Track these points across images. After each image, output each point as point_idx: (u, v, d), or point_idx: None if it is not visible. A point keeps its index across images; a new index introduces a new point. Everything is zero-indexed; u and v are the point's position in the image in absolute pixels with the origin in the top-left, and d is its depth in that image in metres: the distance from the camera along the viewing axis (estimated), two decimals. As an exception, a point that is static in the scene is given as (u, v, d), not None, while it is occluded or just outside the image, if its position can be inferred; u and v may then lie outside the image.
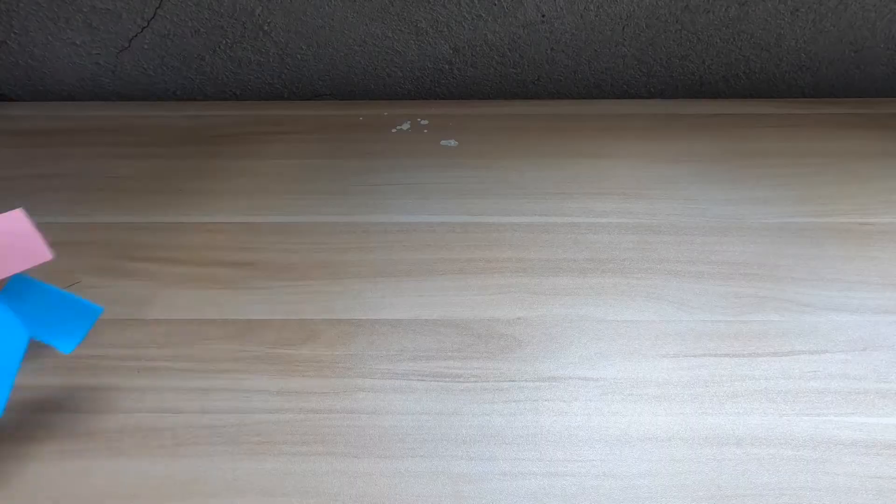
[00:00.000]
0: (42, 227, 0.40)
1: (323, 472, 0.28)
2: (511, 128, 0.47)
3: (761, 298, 0.35)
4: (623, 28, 0.47)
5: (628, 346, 0.33)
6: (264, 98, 0.52)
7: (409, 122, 0.48)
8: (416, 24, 0.47)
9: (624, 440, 0.29)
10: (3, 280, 0.25)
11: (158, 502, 0.27)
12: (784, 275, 0.37)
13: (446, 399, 0.31)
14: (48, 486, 0.27)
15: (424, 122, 0.48)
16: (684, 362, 0.32)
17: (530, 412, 0.30)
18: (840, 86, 0.51)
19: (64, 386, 0.31)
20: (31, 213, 0.41)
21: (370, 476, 0.28)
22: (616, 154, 0.46)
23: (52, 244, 0.39)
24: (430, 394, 0.31)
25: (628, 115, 0.49)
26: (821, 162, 0.44)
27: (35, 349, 0.33)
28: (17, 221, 0.25)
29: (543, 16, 0.46)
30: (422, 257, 0.38)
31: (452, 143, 0.46)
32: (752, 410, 0.30)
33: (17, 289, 0.26)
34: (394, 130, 0.47)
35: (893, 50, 0.49)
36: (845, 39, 0.48)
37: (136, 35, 0.47)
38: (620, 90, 0.52)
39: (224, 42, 0.48)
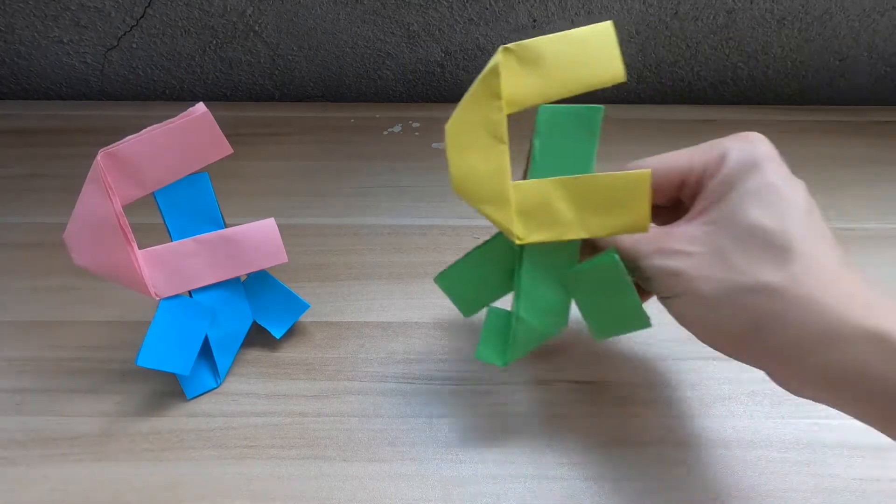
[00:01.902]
0: (28, 228, 0.40)
1: (311, 475, 0.28)
2: (502, 131, 0.48)
3: (748, 302, 0.36)
4: (613, 34, 0.48)
5: (618, 349, 0.33)
6: (255, 99, 0.52)
7: (400, 124, 0.48)
8: (408, 28, 0.47)
9: (614, 443, 0.29)
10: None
11: (144, 507, 0.27)
12: (770, 279, 0.37)
13: (436, 402, 0.31)
14: (29, 492, 0.27)
15: (416, 124, 0.48)
16: (673, 365, 0.32)
17: (521, 415, 0.30)
18: (825, 94, 0.52)
19: (45, 388, 0.31)
20: (17, 213, 0.40)
21: (359, 479, 0.28)
22: (606, 159, 0.46)
23: (38, 244, 0.39)
24: (420, 396, 0.31)
25: (619, 119, 0.49)
26: (806, 168, 0.45)
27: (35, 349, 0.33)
28: (268, 228, 0.30)
29: (535, 21, 0.47)
30: (412, 260, 0.38)
31: (444, 145, 0.46)
32: (739, 413, 0.30)
33: (255, 281, 0.31)
34: (385, 133, 0.47)
35: (877, 59, 0.50)
36: (830, 48, 0.49)
37: (124, 34, 0.47)
38: (611, 95, 0.52)
39: (214, 42, 0.47)
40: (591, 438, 0.29)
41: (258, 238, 0.30)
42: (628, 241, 0.24)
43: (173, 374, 0.30)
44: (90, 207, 0.27)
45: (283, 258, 0.30)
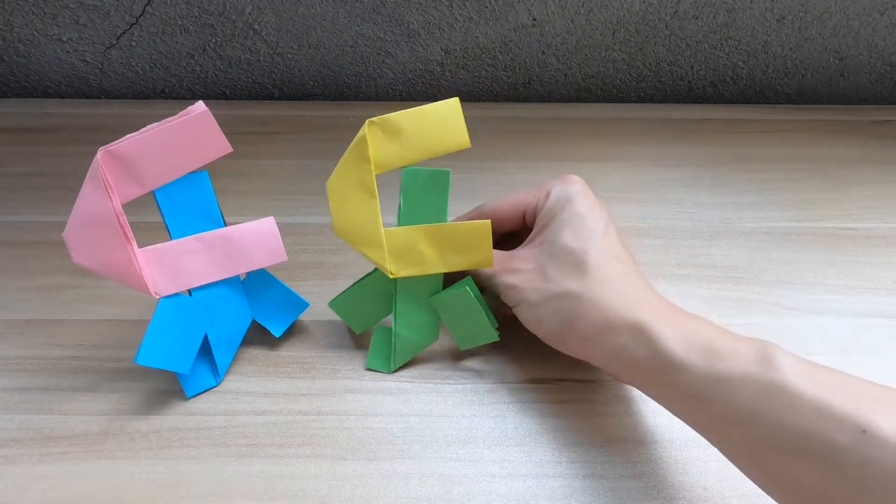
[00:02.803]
0: (27, 226, 0.40)
1: (311, 474, 0.28)
2: (501, 130, 0.48)
3: (747, 301, 0.36)
4: (613, 33, 0.48)
5: (616, 349, 0.33)
6: (254, 98, 0.52)
7: (399, 123, 0.48)
8: (408, 26, 0.47)
9: (611, 441, 0.29)
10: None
11: (143, 505, 0.27)
12: (769, 278, 0.37)
13: (435, 400, 0.31)
14: (28, 490, 0.27)
15: (415, 123, 0.48)
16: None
17: (519, 414, 0.30)
18: (825, 93, 0.52)
19: (45, 387, 0.31)
20: (16, 211, 0.40)
21: (359, 478, 0.28)
22: (605, 158, 0.46)
23: (36, 243, 0.39)
24: (419, 395, 0.31)
25: (618, 119, 0.49)
26: (806, 167, 0.45)
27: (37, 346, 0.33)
28: (268, 227, 0.30)
29: (535, 19, 0.47)
30: (412, 259, 0.38)
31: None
32: (737, 412, 0.30)
33: (254, 279, 0.31)
34: (384, 131, 0.47)
35: (876, 59, 0.50)
36: (829, 47, 0.49)
37: (124, 32, 0.47)
38: (610, 94, 0.52)
39: (214, 40, 0.47)
40: (590, 437, 0.29)
41: (258, 237, 0.30)
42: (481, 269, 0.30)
43: (173, 373, 0.30)
44: (89, 206, 0.27)
45: (283, 257, 0.30)
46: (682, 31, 0.48)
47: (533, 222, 0.30)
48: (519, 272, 0.29)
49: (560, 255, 0.28)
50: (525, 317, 0.29)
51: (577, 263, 0.27)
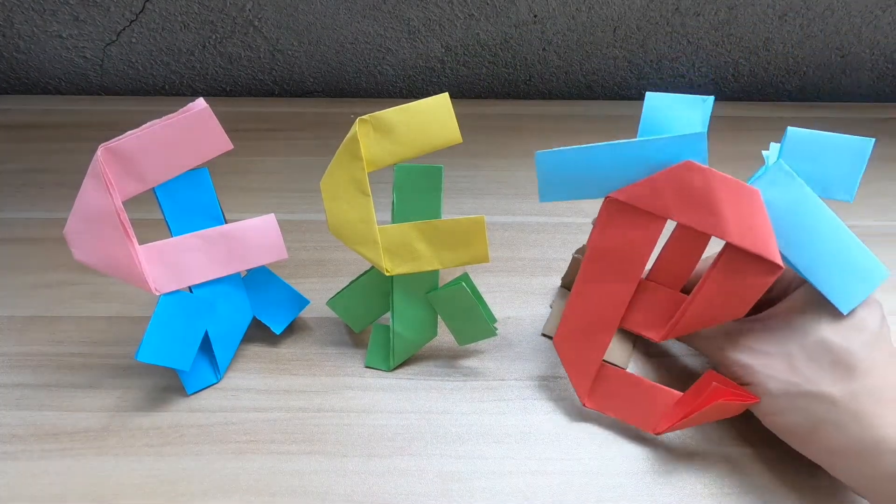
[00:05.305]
0: (27, 223, 0.40)
1: (311, 470, 0.28)
2: (502, 127, 0.48)
3: (748, 299, 0.36)
4: (614, 29, 0.48)
5: (617, 346, 0.33)
6: (255, 94, 0.51)
7: (400, 120, 0.47)
8: (409, 23, 0.47)
9: (612, 439, 0.29)
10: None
11: (143, 502, 0.27)
12: (770, 276, 0.37)
13: (435, 397, 0.31)
14: (29, 486, 0.27)
15: (416, 120, 0.48)
16: (673, 361, 0.32)
17: (519, 411, 0.30)
18: (827, 90, 0.52)
19: (46, 383, 0.31)
20: (17, 208, 0.40)
21: (359, 475, 0.28)
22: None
23: (37, 240, 0.39)
24: (419, 392, 0.31)
25: (619, 115, 0.49)
26: (807, 165, 0.45)
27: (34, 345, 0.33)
28: (268, 223, 0.30)
29: (535, 16, 0.47)
30: (412, 256, 0.38)
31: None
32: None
33: (255, 276, 0.31)
34: (385, 129, 0.47)
35: (878, 56, 0.50)
36: (832, 44, 0.49)
37: (124, 28, 0.46)
38: (611, 91, 0.52)
39: (214, 37, 0.47)
40: (590, 434, 0.29)
41: (258, 234, 0.30)
42: (707, 333, 0.27)
43: (174, 370, 0.30)
44: (90, 203, 0.27)
45: (283, 254, 0.30)
46: (683, 27, 0.48)
47: (779, 295, 0.27)
48: (756, 353, 0.25)
49: (818, 349, 0.24)
50: (759, 405, 0.26)
51: (840, 365, 0.24)
